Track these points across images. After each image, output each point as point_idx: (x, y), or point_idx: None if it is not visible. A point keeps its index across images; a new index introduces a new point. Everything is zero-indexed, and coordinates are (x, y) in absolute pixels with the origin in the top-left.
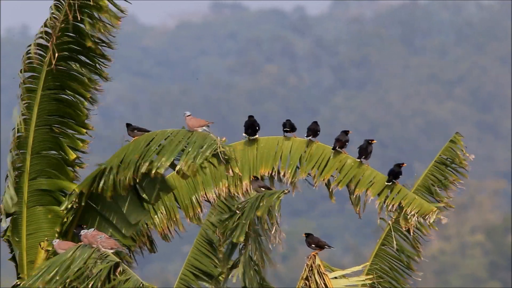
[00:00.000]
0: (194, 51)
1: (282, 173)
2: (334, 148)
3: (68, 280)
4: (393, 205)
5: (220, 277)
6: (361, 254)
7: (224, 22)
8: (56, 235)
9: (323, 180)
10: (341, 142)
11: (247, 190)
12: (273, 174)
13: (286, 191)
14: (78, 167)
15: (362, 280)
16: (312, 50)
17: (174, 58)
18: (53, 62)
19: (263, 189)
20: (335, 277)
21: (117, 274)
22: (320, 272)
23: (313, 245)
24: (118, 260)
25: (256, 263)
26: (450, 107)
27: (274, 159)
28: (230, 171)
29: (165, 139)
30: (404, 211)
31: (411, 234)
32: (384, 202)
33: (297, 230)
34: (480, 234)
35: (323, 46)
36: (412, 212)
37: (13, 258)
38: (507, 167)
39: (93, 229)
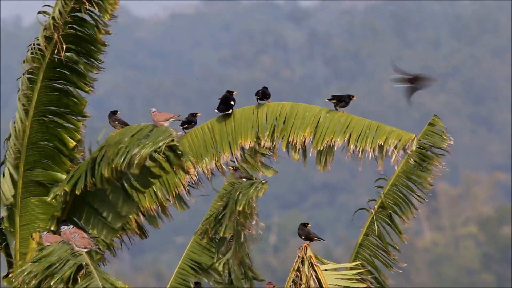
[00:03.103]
0: (188, 43)
1: (262, 143)
2: (329, 100)
3: (40, 275)
4: (373, 148)
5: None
6: (352, 246)
7: (217, 14)
8: (51, 228)
9: (302, 139)
10: (338, 98)
11: (227, 163)
12: (253, 144)
13: (264, 181)
14: (78, 155)
15: (353, 274)
16: (305, 42)
17: (168, 50)
18: (62, 54)
19: (244, 179)
20: (326, 270)
21: (78, 277)
22: (312, 263)
23: (303, 237)
24: (86, 261)
25: (242, 254)
26: (443, 99)
27: (252, 128)
28: (185, 167)
29: (135, 134)
30: (385, 149)
31: (394, 163)
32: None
33: (288, 222)
34: (474, 226)
35: (316, 38)
36: (394, 145)
37: (5, 250)
38: (501, 159)
39: (72, 226)
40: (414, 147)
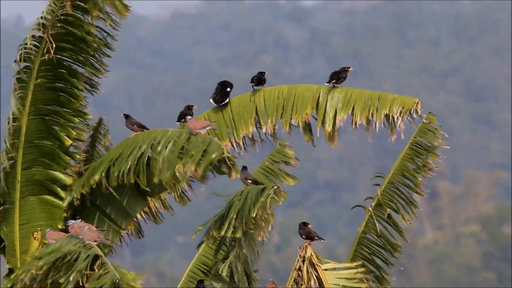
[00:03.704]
0: (188, 42)
1: (264, 129)
2: (329, 82)
3: (49, 270)
4: (379, 119)
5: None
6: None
7: (218, 13)
8: (52, 227)
9: (303, 119)
10: (336, 76)
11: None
12: (254, 131)
13: (276, 186)
14: (77, 156)
15: (353, 274)
16: (306, 41)
17: (168, 49)
18: (52, 52)
19: (250, 181)
20: (326, 269)
21: (95, 267)
22: (313, 262)
23: (303, 236)
24: (98, 253)
25: (245, 256)
26: (444, 98)
27: (251, 114)
28: (233, 175)
29: (169, 142)
30: (390, 116)
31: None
32: (372, 117)
33: (291, 221)
34: (475, 225)
35: (317, 37)
36: (399, 112)
37: (2, 250)
38: (501, 158)
39: (80, 220)
40: (419, 111)
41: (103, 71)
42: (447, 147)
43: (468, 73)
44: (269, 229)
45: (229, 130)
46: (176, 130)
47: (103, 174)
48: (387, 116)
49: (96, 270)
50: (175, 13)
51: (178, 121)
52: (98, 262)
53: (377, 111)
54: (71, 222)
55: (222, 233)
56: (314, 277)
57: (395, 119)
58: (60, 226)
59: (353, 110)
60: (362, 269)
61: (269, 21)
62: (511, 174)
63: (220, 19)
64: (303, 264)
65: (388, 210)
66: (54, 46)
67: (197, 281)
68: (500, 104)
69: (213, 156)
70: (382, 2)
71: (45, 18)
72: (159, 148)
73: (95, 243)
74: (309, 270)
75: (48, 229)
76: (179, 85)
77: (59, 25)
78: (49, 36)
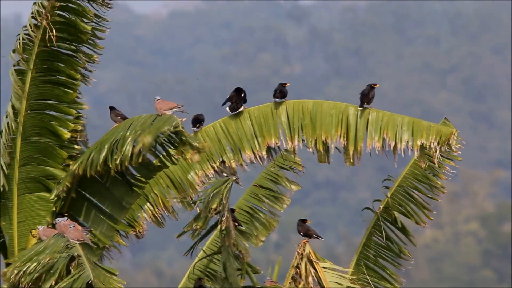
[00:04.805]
0: (188, 40)
1: (289, 145)
2: (361, 107)
3: (37, 269)
4: (415, 148)
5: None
6: (353, 244)
7: (218, 11)
8: (47, 224)
9: (333, 139)
10: (367, 98)
11: (249, 161)
12: (277, 144)
13: (235, 178)
14: (75, 146)
15: (352, 278)
16: (306, 39)
17: (168, 47)
18: (54, 39)
19: (225, 175)
20: (323, 267)
21: (71, 268)
22: (311, 260)
23: (302, 233)
24: (78, 253)
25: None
26: (444, 96)
27: (274, 127)
28: (185, 155)
29: (140, 124)
30: (427, 146)
31: (436, 164)
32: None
33: (290, 219)
34: (474, 223)
35: (317, 35)
36: (435, 143)
37: (1, 247)
38: (501, 156)
39: (66, 218)
40: (455, 143)
41: (98, 54)
42: (459, 151)
43: (468, 71)
44: (224, 219)
45: (251, 142)
46: (148, 115)
47: (86, 163)
48: (422, 145)
49: (72, 271)
50: (175, 12)
51: (193, 125)
52: (74, 262)
53: (413, 139)
54: (58, 220)
55: (195, 226)
56: (312, 274)
57: (431, 149)
58: (49, 220)
59: (386, 135)
60: (358, 277)
61: (269, 19)
62: (511, 173)
63: (220, 18)
64: (301, 261)
65: (396, 214)
66: (55, 33)
67: (196, 279)
68: (500, 103)
69: (166, 127)
70: (382, 0)
71: (41, 4)
72: (129, 130)
73: (77, 243)
74: (307, 267)
75: (41, 226)
76: (180, 83)
77: (56, 11)
78: (49, 23)
